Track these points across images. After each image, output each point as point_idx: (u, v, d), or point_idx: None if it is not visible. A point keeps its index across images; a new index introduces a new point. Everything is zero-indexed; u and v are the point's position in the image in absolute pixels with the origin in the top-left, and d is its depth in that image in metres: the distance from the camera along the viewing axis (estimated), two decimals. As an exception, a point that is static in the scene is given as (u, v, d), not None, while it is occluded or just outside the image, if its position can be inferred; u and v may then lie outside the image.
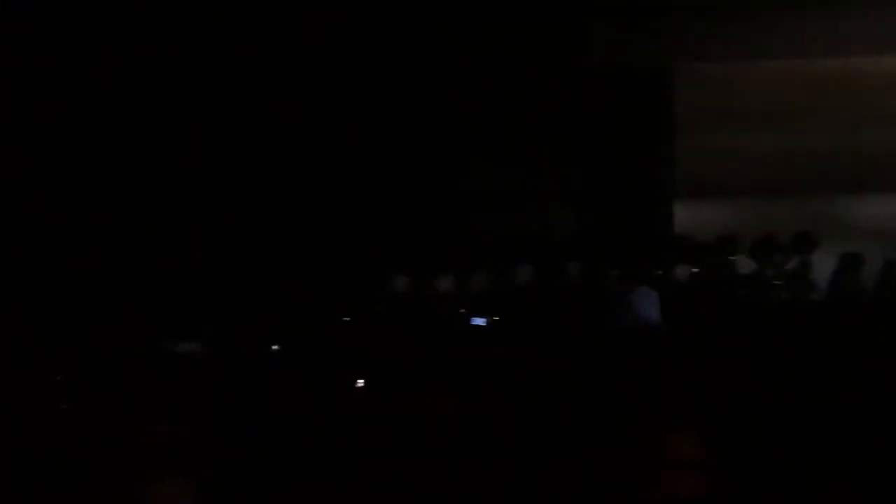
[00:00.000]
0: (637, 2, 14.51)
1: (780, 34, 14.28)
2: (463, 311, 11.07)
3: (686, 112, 14.50)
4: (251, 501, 4.35)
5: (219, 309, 11.34)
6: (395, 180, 14.66)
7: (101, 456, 4.40)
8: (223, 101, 14.04)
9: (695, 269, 12.34)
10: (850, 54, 14.21)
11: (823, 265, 12.03)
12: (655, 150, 14.40)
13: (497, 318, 9.93)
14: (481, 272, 13.26)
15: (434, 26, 14.54)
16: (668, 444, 3.79)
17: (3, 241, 12.50)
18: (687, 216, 14.15)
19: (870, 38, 14.03)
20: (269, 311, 11.18)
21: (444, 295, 12.85)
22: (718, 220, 13.79)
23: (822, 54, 14.29)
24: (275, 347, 9.26)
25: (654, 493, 3.57)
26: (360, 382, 7.15)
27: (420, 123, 14.68)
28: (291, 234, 14.22)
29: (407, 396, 5.74)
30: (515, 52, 14.25)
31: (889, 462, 4.28)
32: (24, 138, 13.20)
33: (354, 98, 14.35)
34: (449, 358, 7.71)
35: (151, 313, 10.38)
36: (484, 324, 9.68)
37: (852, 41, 14.05)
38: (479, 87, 14.50)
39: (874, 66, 14.27)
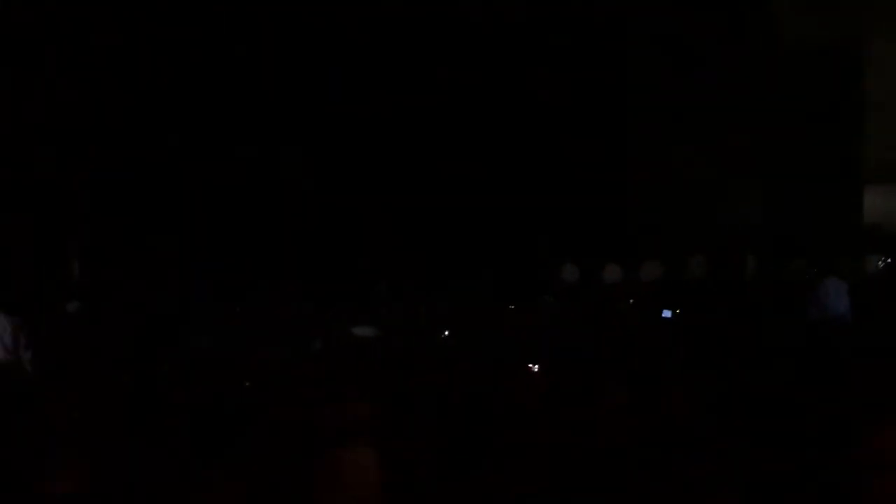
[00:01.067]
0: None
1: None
2: (651, 303, 10.77)
3: (877, 94, 13.58)
4: (431, 477, 4.40)
5: (396, 297, 11.66)
6: (569, 170, 14.52)
7: (293, 434, 4.58)
8: (396, 97, 14.36)
9: (886, 259, 11.55)
10: None
11: None
12: (844, 134, 13.54)
13: (679, 311, 9.61)
14: (655, 263, 12.94)
15: (614, 12, 14.29)
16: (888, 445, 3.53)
17: (203, 242, 13.38)
18: (878, 203, 13.26)
19: None
20: (442, 300, 11.36)
21: (617, 286, 12.65)
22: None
23: None
24: (446, 333, 9.38)
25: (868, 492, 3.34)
26: (534, 367, 7.13)
27: (594, 113, 14.47)
28: (461, 225, 14.39)
29: (575, 383, 5.67)
30: (697, 36, 13.79)
31: None
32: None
33: (527, 90, 14.31)
34: (628, 348, 7.56)
35: (335, 303, 10.82)
36: (670, 316, 9.38)
37: None
38: (657, 75, 14.14)
39: None
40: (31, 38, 12.96)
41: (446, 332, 9.32)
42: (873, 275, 11.20)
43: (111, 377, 6.81)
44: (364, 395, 5.32)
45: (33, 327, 7.66)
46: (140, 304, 10.73)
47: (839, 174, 13.55)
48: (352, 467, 3.65)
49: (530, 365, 7.18)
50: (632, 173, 14.64)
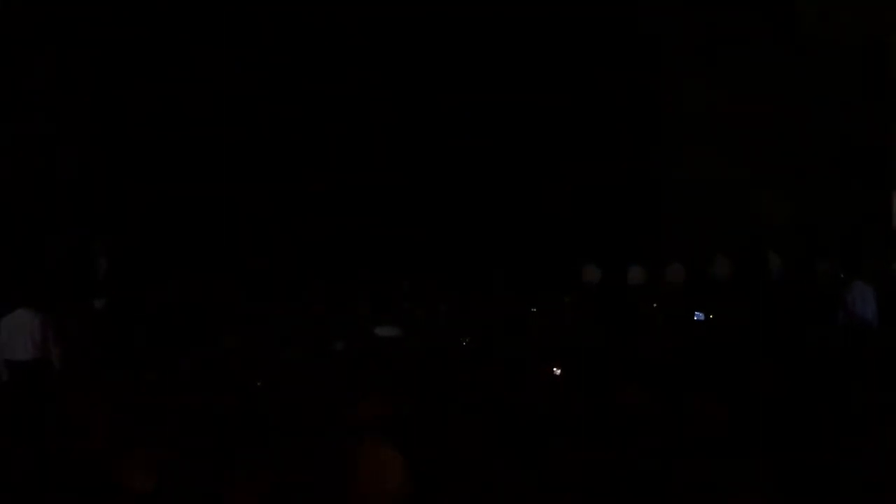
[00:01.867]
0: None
1: None
2: (676, 305, 10.69)
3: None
4: (451, 472, 4.41)
5: (416, 299, 11.68)
6: (590, 171, 14.47)
7: (320, 427, 4.62)
8: (416, 96, 14.40)
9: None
10: None
11: None
12: (874, 137, 13.35)
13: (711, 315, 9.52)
14: (679, 265, 12.85)
15: (641, 11, 14.23)
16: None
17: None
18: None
19: None
20: (461, 301, 11.36)
21: (639, 287, 12.57)
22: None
23: None
24: (467, 335, 9.37)
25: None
26: (557, 371, 7.11)
27: (620, 113, 14.41)
28: (482, 227, 14.38)
29: (601, 386, 5.66)
30: (725, 35, 13.66)
31: None
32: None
33: (553, 90, 14.28)
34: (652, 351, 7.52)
35: (362, 303, 10.87)
36: (702, 318, 9.31)
37: None
38: (684, 74, 14.04)
39: None
40: (68, 43, 13.18)
41: (466, 340, 9.29)
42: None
43: (137, 374, 6.89)
44: (386, 393, 5.34)
45: (61, 324, 7.76)
46: (166, 302, 10.83)
47: (868, 178, 13.37)
48: (375, 463, 3.66)
49: (553, 367, 7.17)
50: (658, 174, 14.54)
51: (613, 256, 13.49)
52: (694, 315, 9.51)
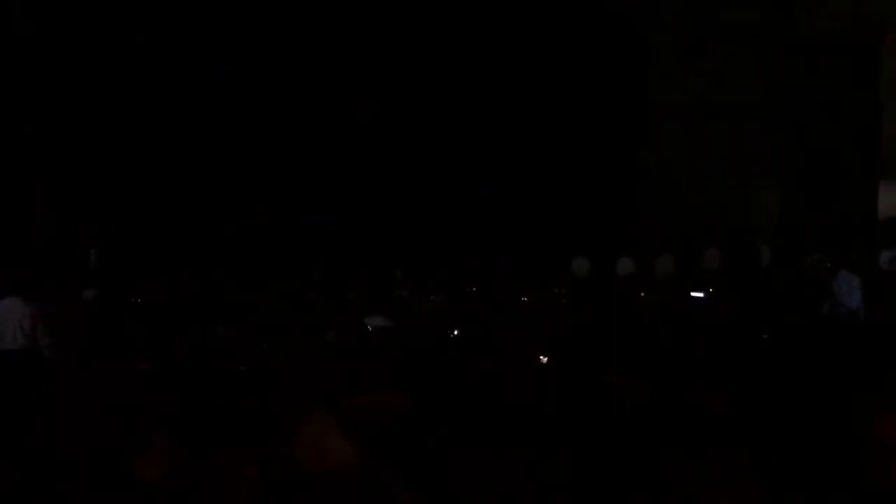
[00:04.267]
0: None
1: None
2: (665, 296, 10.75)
3: (894, 87, 13.43)
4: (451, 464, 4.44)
5: (410, 291, 11.71)
6: (579, 163, 14.52)
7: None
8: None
9: (901, 254, 11.43)
10: None
11: None
12: (860, 128, 13.42)
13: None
14: (668, 256, 12.90)
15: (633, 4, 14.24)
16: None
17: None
18: (893, 198, 13.13)
19: None
20: (453, 293, 11.39)
21: (629, 277, 12.61)
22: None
23: None
24: (458, 327, 9.41)
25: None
26: (543, 359, 7.16)
27: (609, 106, 14.44)
28: (471, 220, 14.41)
29: (592, 376, 5.69)
30: (712, 29, 13.70)
31: None
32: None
33: (540, 84, 14.31)
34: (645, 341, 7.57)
35: (359, 296, 10.89)
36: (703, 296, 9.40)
37: None
38: (673, 65, 14.07)
39: None
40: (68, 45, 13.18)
41: (455, 332, 9.32)
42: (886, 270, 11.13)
43: (127, 364, 6.90)
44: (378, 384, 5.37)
45: (51, 314, 7.75)
46: (156, 292, 10.82)
47: (855, 168, 13.45)
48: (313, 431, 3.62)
49: (541, 357, 7.22)
50: (647, 166, 14.59)
51: (603, 248, 13.54)
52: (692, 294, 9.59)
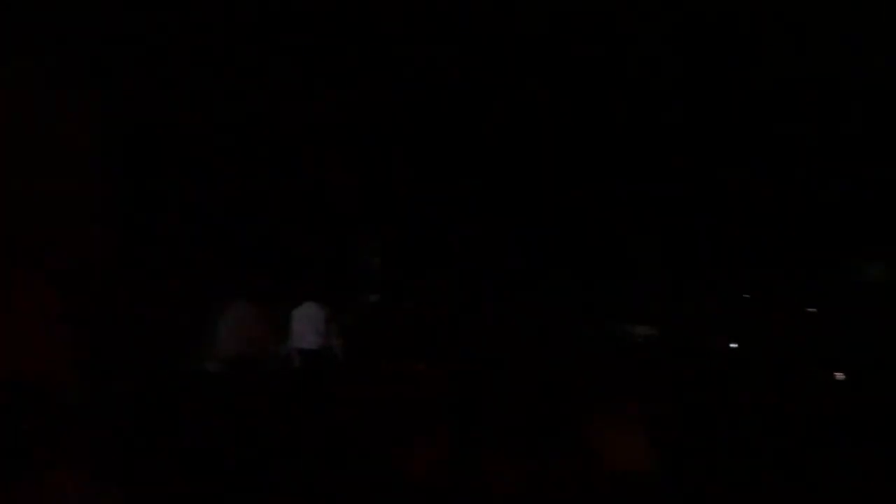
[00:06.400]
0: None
1: None
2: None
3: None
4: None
5: (678, 297, 11.39)
6: (869, 163, 13.35)
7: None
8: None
9: None
10: None
11: None
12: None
13: None
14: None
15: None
16: None
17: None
18: None
19: None
20: (727, 300, 10.95)
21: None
22: None
23: None
24: (733, 337, 9.06)
25: None
26: (840, 375, 6.73)
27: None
28: (751, 220, 13.72)
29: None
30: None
31: None
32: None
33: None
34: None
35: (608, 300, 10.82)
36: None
37: None
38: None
39: None
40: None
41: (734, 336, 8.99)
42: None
43: (407, 366, 7.37)
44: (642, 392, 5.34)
45: (341, 317, 8.48)
46: (433, 298, 11.39)
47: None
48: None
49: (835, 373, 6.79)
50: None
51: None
52: None
